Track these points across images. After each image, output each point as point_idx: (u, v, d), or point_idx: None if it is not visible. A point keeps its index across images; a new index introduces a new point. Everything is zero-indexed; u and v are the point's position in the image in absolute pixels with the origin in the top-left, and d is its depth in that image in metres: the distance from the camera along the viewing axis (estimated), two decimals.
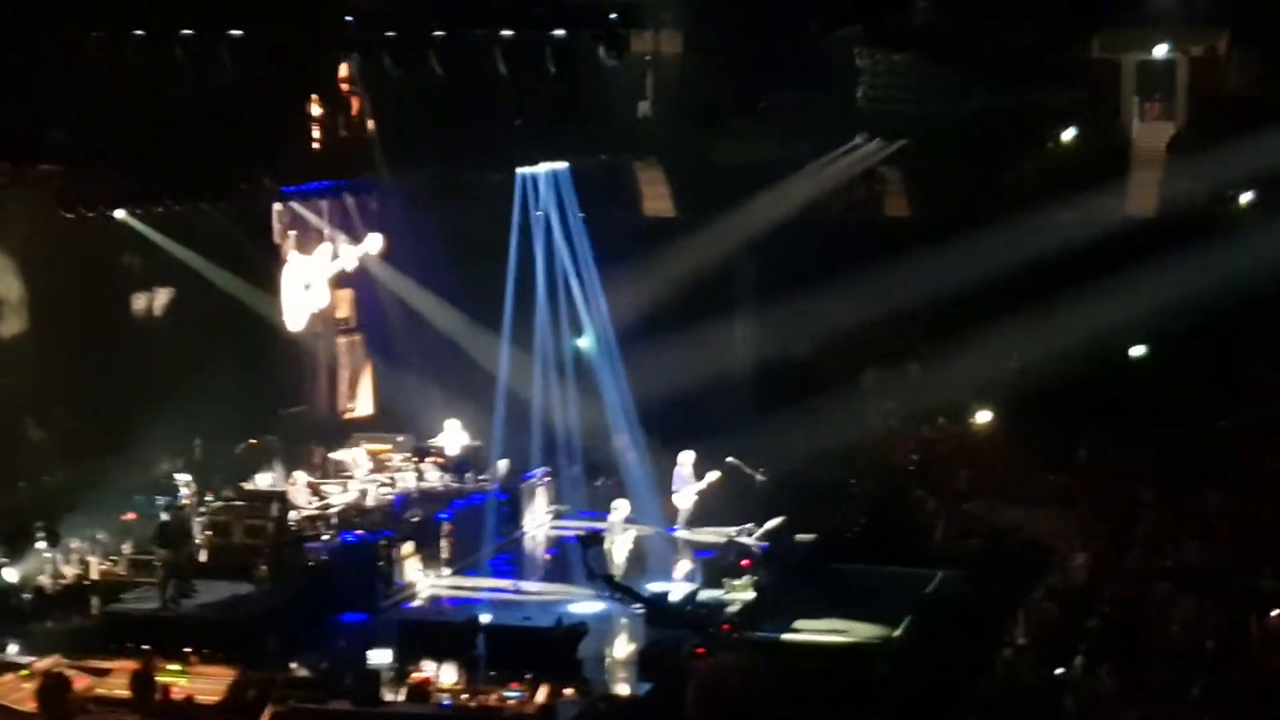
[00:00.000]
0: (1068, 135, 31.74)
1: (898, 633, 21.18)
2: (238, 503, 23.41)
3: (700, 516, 25.53)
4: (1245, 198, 30.76)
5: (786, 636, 20.79)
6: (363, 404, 30.25)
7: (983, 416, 30.77)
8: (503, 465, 27.35)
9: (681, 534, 25.29)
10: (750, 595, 22.68)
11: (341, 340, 29.62)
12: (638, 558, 23.71)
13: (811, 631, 20.88)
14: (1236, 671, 19.23)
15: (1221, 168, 29.96)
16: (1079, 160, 31.37)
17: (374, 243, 28.10)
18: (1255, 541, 24.29)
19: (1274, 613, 20.95)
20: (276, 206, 26.71)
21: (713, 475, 25.61)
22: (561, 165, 28.88)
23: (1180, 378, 29.53)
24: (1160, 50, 30.62)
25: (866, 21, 29.40)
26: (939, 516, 27.40)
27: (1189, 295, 28.30)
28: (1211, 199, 30.73)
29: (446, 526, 24.55)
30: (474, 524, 25.38)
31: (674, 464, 26.07)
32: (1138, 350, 31.03)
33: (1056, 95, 30.94)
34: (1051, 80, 30.52)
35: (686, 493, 25.45)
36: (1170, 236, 28.92)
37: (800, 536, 25.66)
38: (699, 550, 24.68)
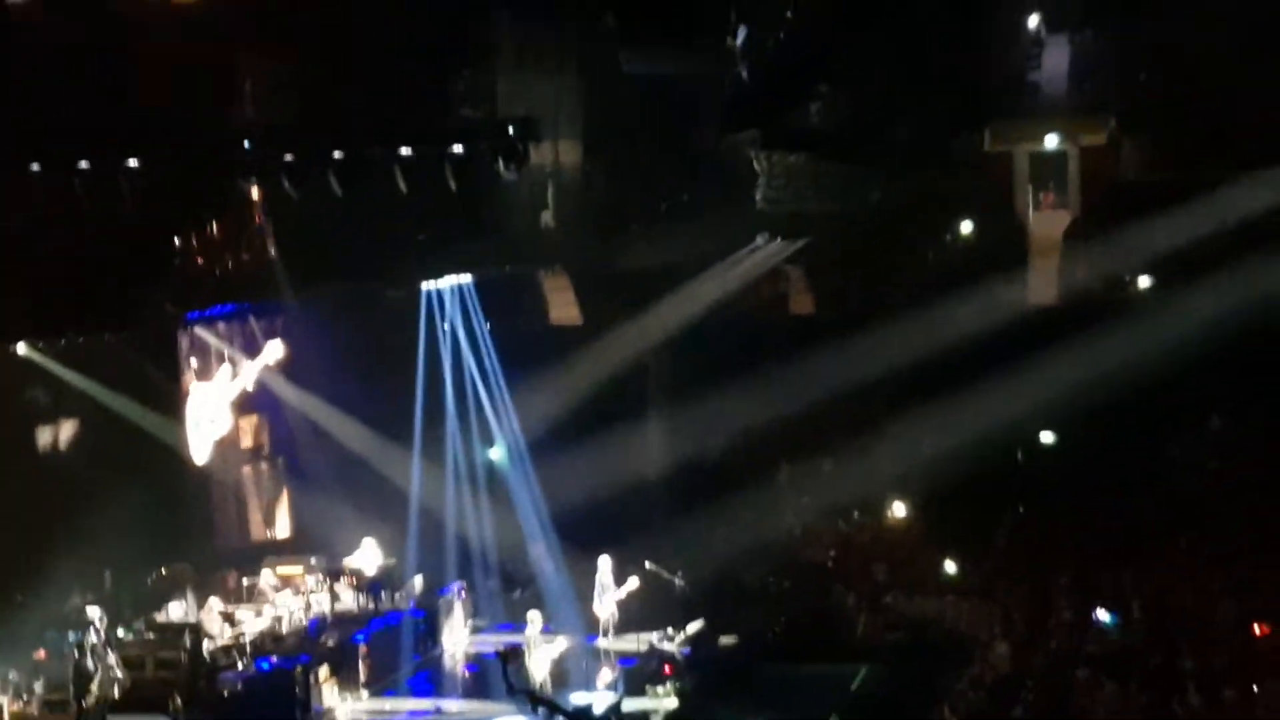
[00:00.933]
0: (966, 227, 32.15)
1: None
2: (150, 635, 23.07)
3: (621, 623, 25.38)
4: (1142, 282, 31.21)
5: None
6: (278, 528, 29.94)
7: (898, 508, 30.86)
8: (418, 582, 27.11)
9: (602, 643, 25.10)
10: (674, 702, 22.54)
11: (252, 466, 29.35)
12: (559, 669, 23.47)
13: None
14: None
15: (1117, 253, 30.45)
16: (979, 251, 31.77)
17: (273, 351, 27.77)
18: (1172, 620, 24.48)
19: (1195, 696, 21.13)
20: (181, 332, 26.51)
21: (632, 581, 25.50)
22: (466, 278, 28.91)
23: (1090, 461, 29.79)
24: (1050, 141, 31.13)
25: (763, 125, 29.72)
26: (859, 611, 27.41)
27: (1094, 379, 28.65)
28: (1109, 284, 31.18)
29: (363, 648, 24.25)
30: (391, 644, 25.08)
31: (592, 571, 25.95)
32: (1047, 436, 31.29)
33: (953, 188, 31.36)
34: (947, 174, 30.94)
35: (607, 600, 25.30)
36: (1072, 323, 29.31)
37: (722, 639, 25.61)
38: (621, 658, 24.52)
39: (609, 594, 25.28)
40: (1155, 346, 28.39)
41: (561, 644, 23.81)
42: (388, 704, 23.78)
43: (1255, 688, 21.63)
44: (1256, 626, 23.72)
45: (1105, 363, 28.59)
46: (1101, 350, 28.84)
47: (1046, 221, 31.57)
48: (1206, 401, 30.05)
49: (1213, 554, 26.66)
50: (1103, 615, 24.77)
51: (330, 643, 24.22)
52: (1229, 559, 26.35)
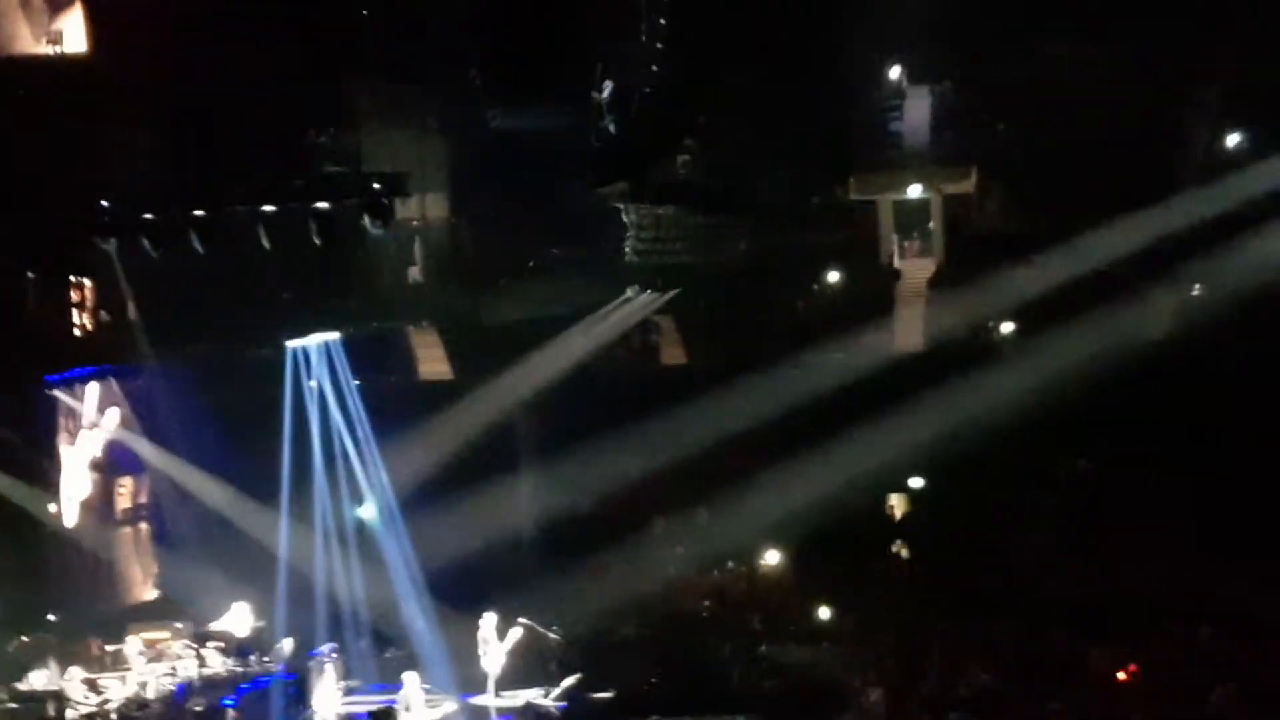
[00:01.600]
0: (833, 276, 32.49)
1: None
2: (12, 705, 22.55)
3: (498, 680, 25.12)
4: (1006, 328, 31.68)
5: None
6: (144, 592, 29.42)
7: (771, 556, 30.96)
8: (288, 645, 26.67)
9: (477, 700, 24.82)
10: None
11: (117, 530, 28.84)
12: None
13: None
14: None
15: (982, 300, 30.89)
16: (846, 299, 32.11)
17: (111, 420, 27.29)
18: (1041, 666, 24.74)
19: None
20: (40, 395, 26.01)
21: (515, 634, 25.22)
22: (333, 335, 28.68)
23: (958, 506, 30.09)
24: (914, 190, 31.58)
25: (630, 178, 29.85)
26: (735, 661, 27.41)
27: (961, 424, 28.98)
28: (974, 331, 31.61)
29: (232, 713, 23.81)
30: (261, 708, 24.62)
31: (465, 629, 25.72)
32: (916, 482, 31.57)
33: (819, 238, 31.70)
34: (813, 224, 31.28)
35: (494, 656, 24.96)
36: (938, 369, 29.66)
37: (597, 694, 25.47)
38: (498, 716, 24.25)
39: (495, 649, 24.95)
40: (1019, 390, 28.81)
41: (437, 704, 23.56)
42: None
43: None
44: (1122, 673, 24.06)
45: (971, 407, 28.94)
46: (967, 395, 29.19)
47: (912, 269, 32.02)
48: (1072, 443, 30.47)
49: (1079, 599, 27.04)
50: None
51: (198, 708, 23.79)
52: (1096, 605, 26.73)
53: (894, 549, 31.20)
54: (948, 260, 31.94)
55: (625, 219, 30.52)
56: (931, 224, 32.17)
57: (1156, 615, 25.93)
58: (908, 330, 31.50)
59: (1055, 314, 29.58)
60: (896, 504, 31.32)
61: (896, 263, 32.45)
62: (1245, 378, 28.97)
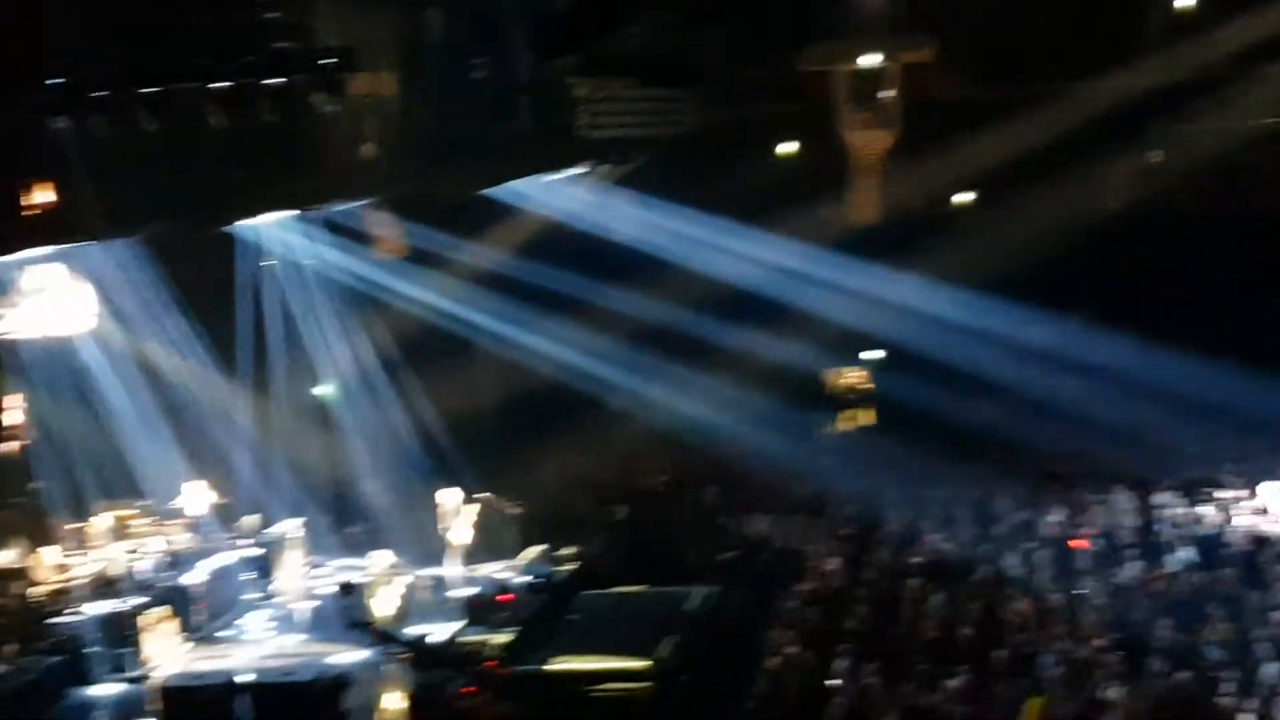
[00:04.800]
0: (788, 148, 32.44)
1: (662, 653, 21.29)
2: None
3: (461, 555, 25.39)
4: (962, 198, 31.77)
5: (550, 668, 20.77)
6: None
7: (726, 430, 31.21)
8: (252, 520, 26.87)
9: (439, 572, 25.07)
10: (512, 630, 22.64)
11: None
12: (398, 603, 23.43)
13: (575, 661, 20.85)
14: (991, 658, 19.83)
15: (938, 171, 30.94)
16: (801, 172, 32.10)
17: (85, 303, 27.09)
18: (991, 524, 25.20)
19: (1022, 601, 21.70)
20: None
21: (476, 510, 25.47)
22: (288, 213, 28.55)
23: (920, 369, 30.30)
24: (869, 59, 31.45)
25: (581, 51, 29.67)
26: (693, 534, 27.69)
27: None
28: (930, 202, 31.70)
29: (198, 589, 24.00)
30: (226, 583, 24.84)
31: (426, 505, 25.94)
32: (874, 353, 31.83)
33: (774, 110, 31.59)
34: (767, 95, 31.17)
35: (456, 529, 25.21)
36: (894, 241, 29.82)
37: (558, 567, 25.76)
38: (458, 588, 24.51)
39: (457, 523, 25.20)
40: (976, 259, 28.98)
41: (399, 577, 23.80)
42: (225, 644, 23.59)
43: None
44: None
45: (928, 278, 29.10)
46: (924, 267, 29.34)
47: (866, 141, 31.98)
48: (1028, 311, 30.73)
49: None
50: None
51: (165, 585, 23.95)
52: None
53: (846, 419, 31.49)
54: (905, 131, 31.89)
55: (576, 93, 30.36)
56: (888, 94, 32.06)
57: None
58: (863, 202, 31.56)
59: (1013, 184, 29.67)
60: (850, 375, 31.48)
61: (852, 134, 32.40)
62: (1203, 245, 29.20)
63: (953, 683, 19.06)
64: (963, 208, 32.03)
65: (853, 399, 31.45)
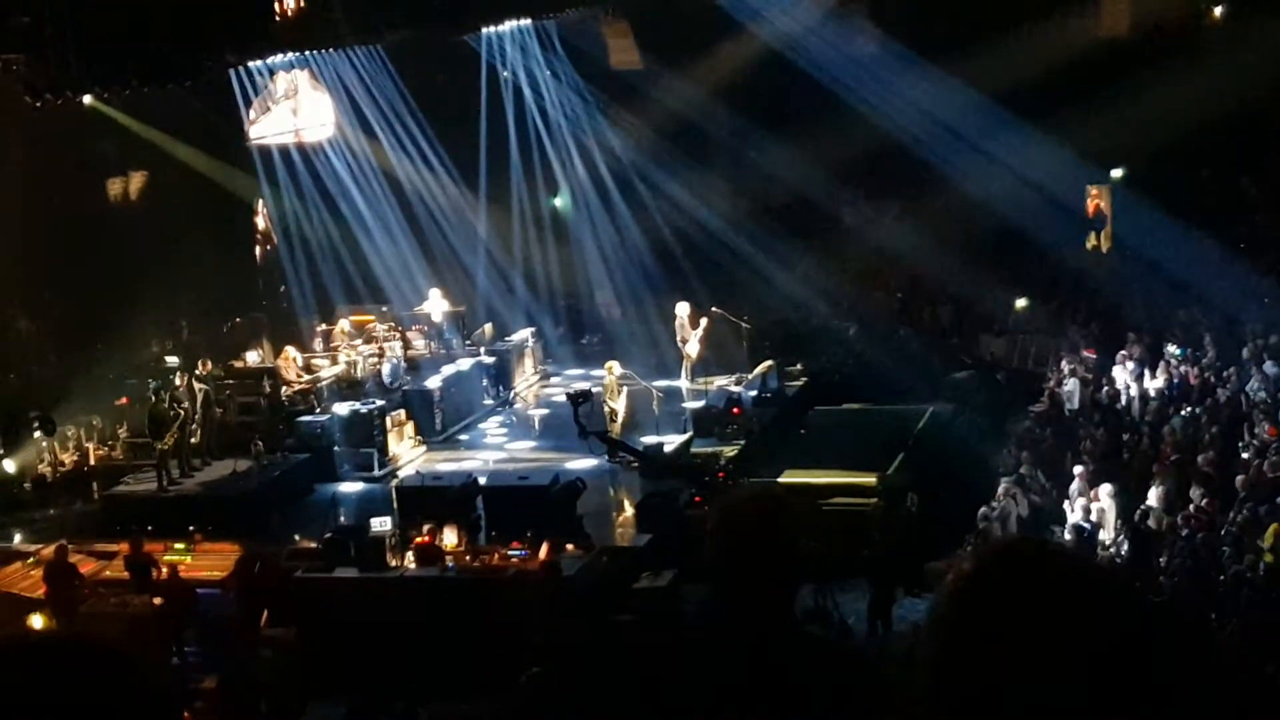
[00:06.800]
0: None
1: (892, 471, 21.26)
2: (229, 381, 23.44)
3: (692, 367, 25.44)
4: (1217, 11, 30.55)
5: (782, 480, 20.80)
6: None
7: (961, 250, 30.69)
8: (488, 329, 27.28)
9: (674, 384, 25.18)
10: (743, 442, 22.76)
11: None
12: (630, 413, 23.64)
13: (804, 475, 20.81)
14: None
15: None
16: None
17: (328, 110, 27.45)
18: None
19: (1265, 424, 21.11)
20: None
21: (708, 323, 25.45)
22: (525, 22, 28.61)
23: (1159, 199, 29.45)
24: None
25: None
26: (925, 352, 27.48)
27: (1167, 114, 28.12)
28: (1183, 15, 30.52)
29: (437, 393, 24.47)
30: (463, 389, 25.30)
31: (657, 318, 26.12)
32: (1117, 172, 30.97)
33: None
34: None
35: (692, 342, 25.23)
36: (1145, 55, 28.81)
37: (789, 381, 25.77)
38: (690, 400, 24.61)
39: (693, 335, 25.22)
40: (1228, 80, 27.85)
41: (632, 387, 23.95)
42: (462, 449, 24.11)
43: None
44: None
45: (1178, 96, 28.00)
46: (1174, 83, 28.24)
47: None
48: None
49: None
50: (1172, 349, 24.74)
51: (405, 388, 24.47)
52: None
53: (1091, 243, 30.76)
54: None
55: None
56: None
57: None
58: (1113, 14, 30.47)
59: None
60: (1098, 195, 30.60)
61: None
62: None
63: (1191, 506, 18.70)
64: (1217, 22, 30.73)
65: (1095, 220, 30.58)
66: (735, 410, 23.48)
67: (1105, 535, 18.89)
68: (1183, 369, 24.09)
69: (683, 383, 25.17)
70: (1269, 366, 23.26)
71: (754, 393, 24.63)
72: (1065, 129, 28.72)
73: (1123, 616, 2.54)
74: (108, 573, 18.31)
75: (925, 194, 30.48)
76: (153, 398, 21.20)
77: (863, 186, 32.24)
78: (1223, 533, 17.97)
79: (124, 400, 23.12)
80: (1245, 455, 20.27)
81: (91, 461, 22.37)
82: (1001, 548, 2.72)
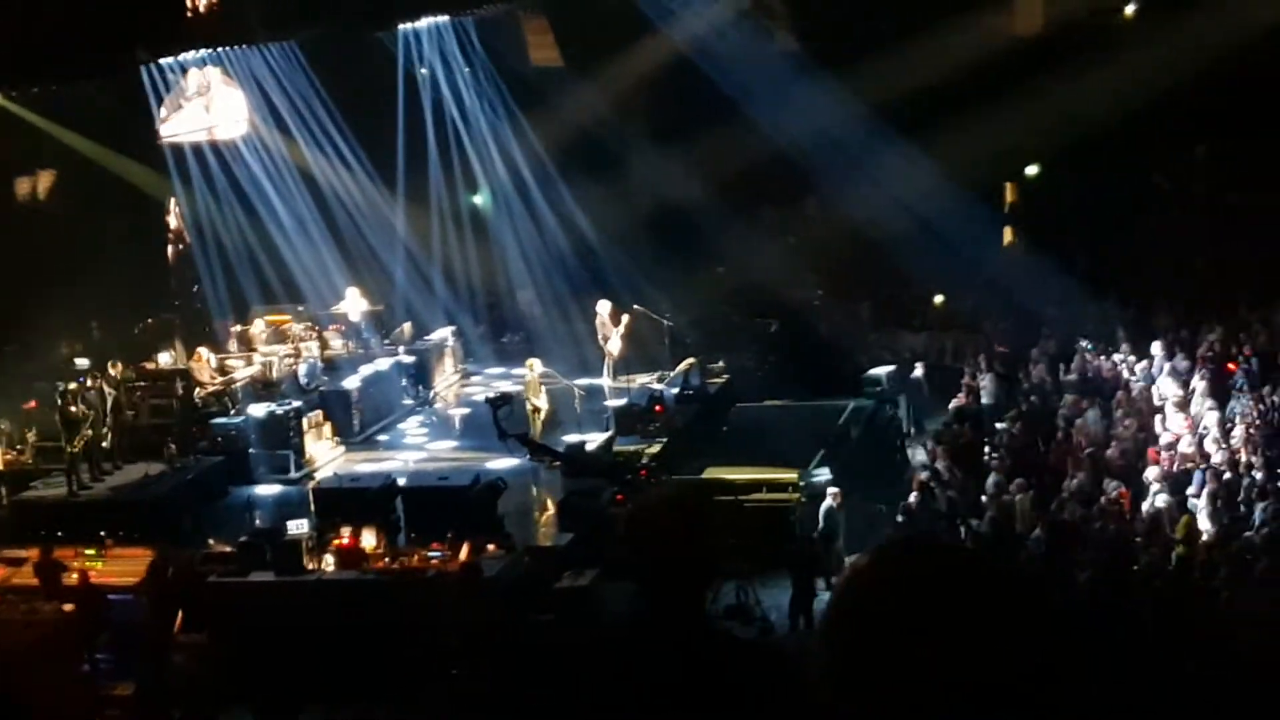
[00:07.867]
0: None
1: (812, 466, 21.23)
2: (140, 383, 23.10)
3: (614, 365, 25.35)
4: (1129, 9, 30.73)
5: (704, 477, 20.74)
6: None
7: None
8: (407, 328, 27.08)
9: (596, 382, 25.09)
10: (665, 440, 22.69)
11: None
12: (552, 411, 23.53)
13: (727, 472, 20.78)
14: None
15: None
16: None
17: (241, 107, 27.13)
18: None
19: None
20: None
21: (624, 322, 25.37)
22: (443, 19, 28.37)
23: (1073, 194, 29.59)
24: None
25: None
26: (846, 348, 27.51)
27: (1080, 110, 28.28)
28: (1095, 12, 30.67)
29: (355, 394, 24.26)
30: (382, 389, 25.10)
31: (577, 317, 26.00)
32: (1032, 169, 31.13)
33: None
34: None
35: (614, 339, 25.16)
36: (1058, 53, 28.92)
37: (711, 379, 25.72)
38: (613, 398, 24.52)
39: (614, 333, 25.15)
40: (1141, 75, 28.02)
41: (552, 386, 23.85)
42: (381, 450, 23.90)
43: None
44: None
45: (1090, 92, 28.17)
46: (1087, 80, 28.39)
47: None
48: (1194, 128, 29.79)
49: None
50: (1084, 343, 24.93)
51: (321, 389, 24.24)
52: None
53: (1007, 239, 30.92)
54: None
55: None
56: None
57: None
58: (1026, 12, 30.61)
59: None
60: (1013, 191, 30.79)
61: None
62: None
63: (1104, 499, 18.87)
64: (1128, 19, 30.92)
65: (1014, 212, 30.75)
66: (657, 408, 23.42)
67: (1021, 529, 18.98)
68: (1095, 363, 24.31)
69: (605, 380, 25.11)
70: (1179, 361, 23.52)
71: (676, 390, 24.59)
72: (981, 126, 28.76)
73: (1012, 612, 2.63)
74: (16, 579, 17.99)
75: (844, 190, 30.47)
76: (60, 400, 20.86)
77: (775, 186, 32.13)
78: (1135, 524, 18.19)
79: (33, 403, 22.72)
80: (1156, 448, 20.50)
81: None
82: (893, 546, 2.82)
